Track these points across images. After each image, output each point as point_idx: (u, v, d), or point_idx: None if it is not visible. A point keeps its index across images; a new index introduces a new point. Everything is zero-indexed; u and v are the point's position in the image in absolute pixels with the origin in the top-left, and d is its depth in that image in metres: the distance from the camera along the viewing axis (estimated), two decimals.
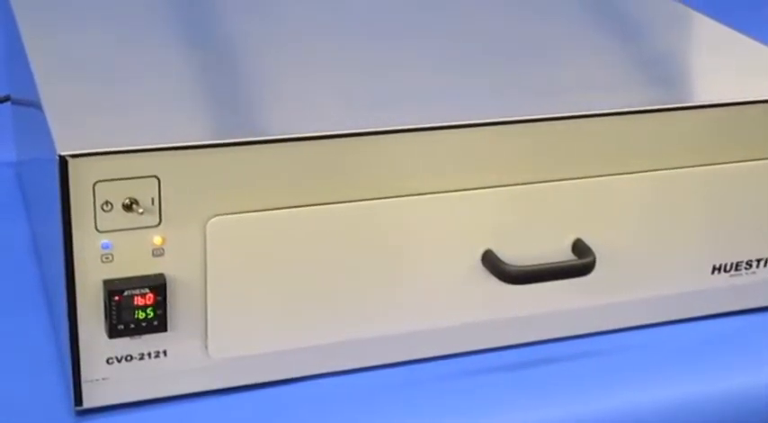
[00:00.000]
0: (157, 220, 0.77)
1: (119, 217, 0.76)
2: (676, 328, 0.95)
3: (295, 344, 0.84)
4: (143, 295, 0.78)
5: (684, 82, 0.96)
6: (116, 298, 0.77)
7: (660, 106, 0.87)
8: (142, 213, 0.77)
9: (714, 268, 0.94)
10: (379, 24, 1.03)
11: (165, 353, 0.81)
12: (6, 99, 1.15)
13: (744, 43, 1.03)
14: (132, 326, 0.78)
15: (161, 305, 0.79)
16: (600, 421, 0.86)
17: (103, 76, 0.87)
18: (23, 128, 1.02)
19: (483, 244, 0.85)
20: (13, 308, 0.94)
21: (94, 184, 0.75)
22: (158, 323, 0.79)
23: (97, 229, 0.76)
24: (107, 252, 0.77)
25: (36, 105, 0.84)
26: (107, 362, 0.80)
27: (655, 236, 0.90)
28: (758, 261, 0.95)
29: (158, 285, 0.78)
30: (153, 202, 0.77)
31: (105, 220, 0.76)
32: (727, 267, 0.95)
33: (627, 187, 0.88)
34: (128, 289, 0.78)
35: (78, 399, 0.81)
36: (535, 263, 0.85)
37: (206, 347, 0.82)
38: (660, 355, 0.92)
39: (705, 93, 0.94)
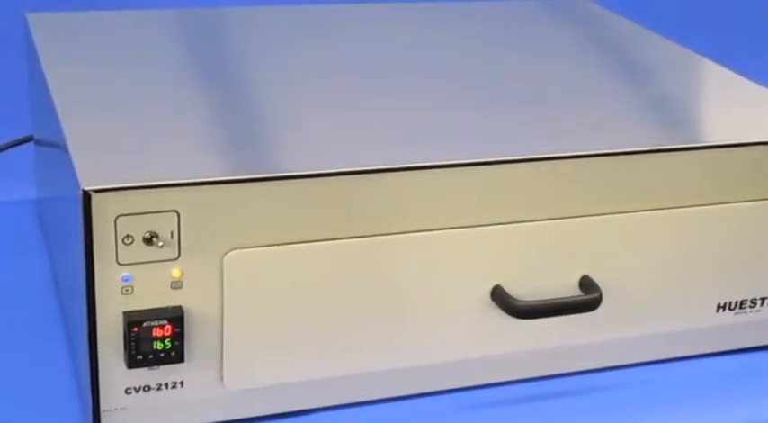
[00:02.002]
0: (176, 253, 0.79)
1: (139, 250, 0.78)
2: (681, 365, 0.96)
3: (309, 376, 0.86)
4: (161, 326, 0.79)
5: (690, 123, 0.98)
6: (135, 329, 0.79)
7: (666, 146, 0.89)
8: (162, 247, 0.78)
9: (719, 306, 0.95)
10: (393, 64, 1.05)
11: (181, 384, 0.83)
12: (29, 139, 1.17)
13: (746, 87, 1.05)
14: (150, 356, 0.80)
15: (179, 336, 0.80)
16: None
17: (125, 113, 0.89)
18: (45, 166, 1.05)
19: (492, 279, 0.87)
20: (32, 340, 0.95)
21: (116, 219, 0.77)
22: (176, 354, 0.81)
23: (118, 262, 0.78)
24: (127, 284, 0.79)
25: (59, 143, 0.86)
26: (125, 392, 0.82)
27: (660, 273, 0.92)
28: (762, 299, 0.96)
29: (176, 317, 0.80)
30: (172, 236, 0.78)
31: (126, 254, 0.78)
32: (732, 305, 0.96)
33: (633, 225, 0.89)
34: (147, 320, 0.79)
35: None
36: (543, 298, 0.87)
37: (222, 379, 0.84)
38: (664, 392, 0.93)
39: (711, 134, 0.95)
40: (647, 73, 1.08)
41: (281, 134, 0.88)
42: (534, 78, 1.04)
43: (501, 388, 0.92)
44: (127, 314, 0.79)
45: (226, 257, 0.80)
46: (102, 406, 0.82)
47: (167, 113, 0.90)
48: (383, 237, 0.83)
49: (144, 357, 0.80)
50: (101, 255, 0.78)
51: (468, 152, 0.85)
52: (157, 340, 0.80)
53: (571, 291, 0.89)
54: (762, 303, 0.97)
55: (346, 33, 1.15)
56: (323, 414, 0.88)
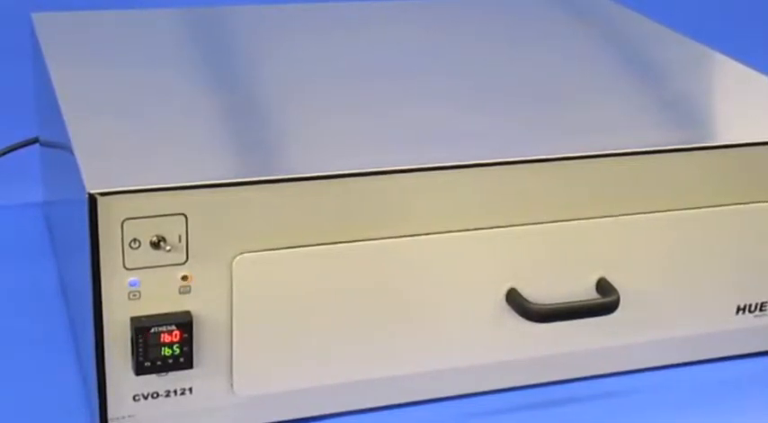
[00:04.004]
0: (184, 257, 0.78)
1: (146, 254, 0.77)
2: (700, 369, 0.95)
3: (319, 382, 0.85)
4: (170, 332, 0.78)
5: (709, 122, 0.97)
6: (143, 335, 0.78)
7: (685, 146, 0.88)
8: (169, 251, 0.77)
9: (738, 308, 0.94)
10: (402, 65, 1.04)
11: (190, 390, 0.82)
12: (35, 141, 1.16)
13: (764, 83, 1.04)
14: (159, 363, 0.79)
15: (187, 342, 0.79)
16: None
17: (131, 115, 0.88)
18: (51, 168, 1.04)
19: (507, 282, 0.86)
20: (39, 346, 0.95)
21: (123, 222, 0.76)
22: (184, 360, 0.79)
23: (125, 267, 0.77)
24: (134, 289, 0.78)
25: (65, 145, 0.85)
26: (133, 399, 0.81)
27: (679, 275, 0.90)
28: None
29: (185, 322, 0.79)
30: (180, 240, 0.77)
31: (133, 258, 0.77)
32: (752, 308, 0.95)
33: (651, 226, 0.88)
34: (154, 326, 0.78)
35: None
36: (559, 301, 0.86)
37: (231, 385, 0.82)
38: (684, 396, 0.92)
39: (729, 132, 0.94)
40: (660, 70, 1.07)
41: (290, 136, 0.87)
42: (547, 77, 1.03)
43: (517, 393, 0.91)
44: (134, 320, 0.78)
45: (235, 261, 0.79)
46: (110, 414, 0.81)
47: (174, 115, 0.89)
48: (396, 239, 0.82)
49: (152, 364, 0.79)
50: (107, 259, 0.76)
51: (481, 153, 0.84)
52: (166, 346, 0.79)
53: (588, 293, 0.88)
54: None
55: (355, 32, 1.14)
56: (334, 420, 0.87)
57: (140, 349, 0.78)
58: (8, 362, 0.92)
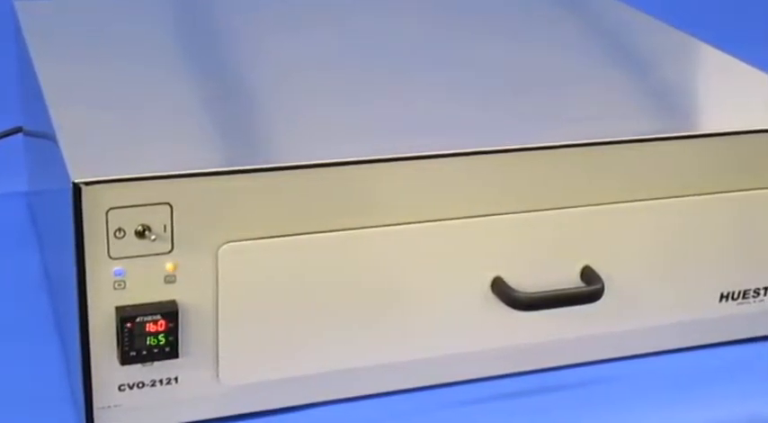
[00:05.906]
0: (169, 246, 0.78)
1: (131, 244, 0.77)
2: (684, 356, 0.95)
3: (305, 371, 0.85)
4: (155, 322, 0.78)
5: (692, 111, 0.97)
6: (128, 325, 0.78)
7: (668, 135, 0.88)
8: (154, 240, 0.77)
9: (722, 296, 0.94)
10: (392, 54, 1.04)
11: (176, 379, 0.82)
12: (18, 130, 1.16)
13: (750, 74, 1.04)
14: (144, 352, 0.79)
15: (173, 332, 0.79)
16: None
17: (116, 105, 0.88)
18: (35, 158, 1.03)
19: (492, 271, 0.86)
20: (24, 337, 0.94)
21: (107, 211, 0.75)
22: (170, 350, 0.79)
23: (110, 256, 0.77)
24: (119, 279, 0.77)
25: (49, 135, 0.85)
26: (119, 389, 0.81)
27: (663, 263, 0.91)
28: (765, 289, 0.96)
29: (170, 312, 0.78)
30: (165, 229, 0.77)
31: (118, 247, 0.77)
32: (735, 295, 0.95)
33: (635, 215, 0.88)
34: (140, 316, 0.78)
35: None
36: (544, 290, 0.86)
37: (217, 374, 0.82)
38: (667, 383, 0.92)
39: (713, 122, 0.94)
40: (648, 60, 1.07)
41: (275, 125, 0.86)
42: (535, 66, 1.02)
43: (503, 381, 0.91)
44: (119, 309, 0.78)
45: (220, 250, 0.79)
46: (96, 403, 0.81)
47: (159, 104, 0.89)
48: (381, 228, 0.82)
49: (137, 353, 0.79)
50: (92, 249, 0.76)
51: (467, 141, 0.84)
52: (151, 336, 0.79)
53: (573, 282, 0.88)
54: (765, 293, 0.96)
55: (344, 20, 1.13)
56: (321, 409, 0.87)
57: (126, 339, 0.78)
58: None
